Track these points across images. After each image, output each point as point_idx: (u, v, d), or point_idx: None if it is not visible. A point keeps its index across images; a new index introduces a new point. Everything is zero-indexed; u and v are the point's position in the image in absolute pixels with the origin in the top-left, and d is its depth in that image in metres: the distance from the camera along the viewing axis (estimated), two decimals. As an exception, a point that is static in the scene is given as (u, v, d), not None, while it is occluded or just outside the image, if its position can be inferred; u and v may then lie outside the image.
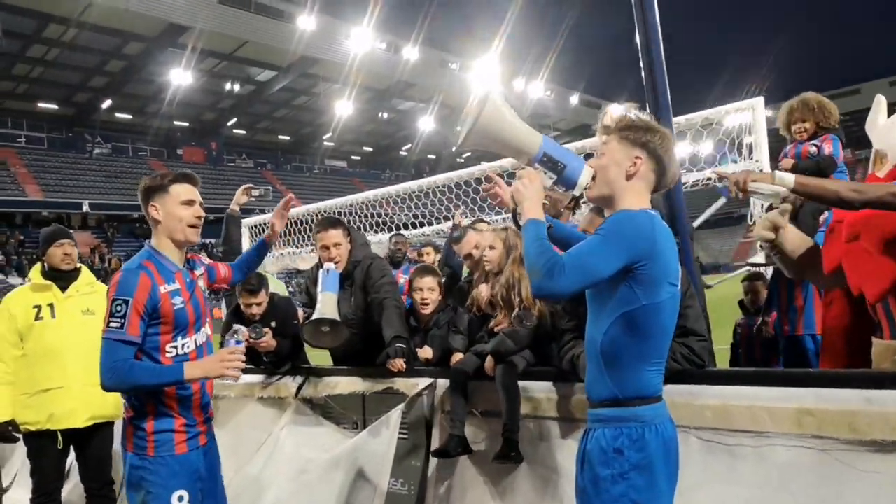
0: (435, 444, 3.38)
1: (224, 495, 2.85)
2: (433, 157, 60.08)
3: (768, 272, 4.98)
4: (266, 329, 4.02)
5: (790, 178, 2.56)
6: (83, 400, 3.87)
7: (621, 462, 1.91)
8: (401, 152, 59.58)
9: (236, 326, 2.83)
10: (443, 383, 3.43)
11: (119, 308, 2.42)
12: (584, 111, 57.94)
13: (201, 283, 2.79)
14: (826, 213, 4.53)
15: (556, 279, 1.81)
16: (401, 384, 3.52)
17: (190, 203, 2.63)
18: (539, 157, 2.02)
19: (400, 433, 3.44)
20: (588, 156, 2.17)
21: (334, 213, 10.25)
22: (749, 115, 5.96)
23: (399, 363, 3.52)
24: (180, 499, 2.54)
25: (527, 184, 2.00)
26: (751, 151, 5.99)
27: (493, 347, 3.13)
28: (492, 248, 3.39)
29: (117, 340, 2.41)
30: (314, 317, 3.46)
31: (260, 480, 3.72)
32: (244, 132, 51.28)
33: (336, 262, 3.81)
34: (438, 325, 3.76)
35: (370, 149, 58.55)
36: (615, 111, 2.10)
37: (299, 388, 3.98)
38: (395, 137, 56.45)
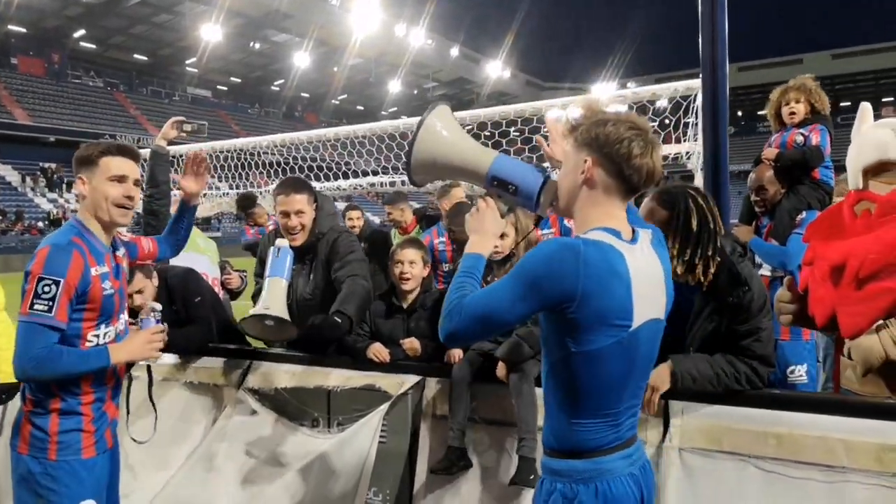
0: (423, 451, 2.96)
1: None
2: (307, 95, 57.44)
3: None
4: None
5: None
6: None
7: None
8: (272, 87, 56.35)
9: (151, 304, 2.53)
10: (432, 382, 3.00)
11: (47, 289, 2.15)
12: (463, 64, 57.68)
13: (124, 265, 2.53)
14: (804, 213, 4.39)
15: (452, 320, 1.61)
16: (382, 381, 3.03)
17: (120, 179, 2.35)
18: (488, 182, 1.78)
19: (380, 437, 2.97)
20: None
21: (222, 153, 9.20)
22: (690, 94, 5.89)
23: (383, 353, 3.05)
24: None
25: (476, 214, 1.80)
26: (688, 131, 5.94)
27: (505, 353, 2.73)
28: (503, 235, 2.96)
29: (43, 325, 2.15)
30: (256, 310, 2.89)
31: (203, 492, 3.10)
32: (94, 46, 45.91)
33: (296, 234, 3.27)
34: (424, 306, 3.29)
35: (238, 80, 54.78)
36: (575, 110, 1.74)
37: (243, 376, 3.37)
38: (267, 70, 53.13)
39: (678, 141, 6.10)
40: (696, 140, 5.89)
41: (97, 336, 2.31)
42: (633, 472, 1.66)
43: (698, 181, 5.81)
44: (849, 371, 2.54)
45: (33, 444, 2.24)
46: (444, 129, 1.81)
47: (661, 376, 2.35)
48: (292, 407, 3.22)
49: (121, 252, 2.49)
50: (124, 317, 2.49)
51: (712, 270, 2.27)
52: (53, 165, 38.89)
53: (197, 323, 3.48)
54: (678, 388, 2.36)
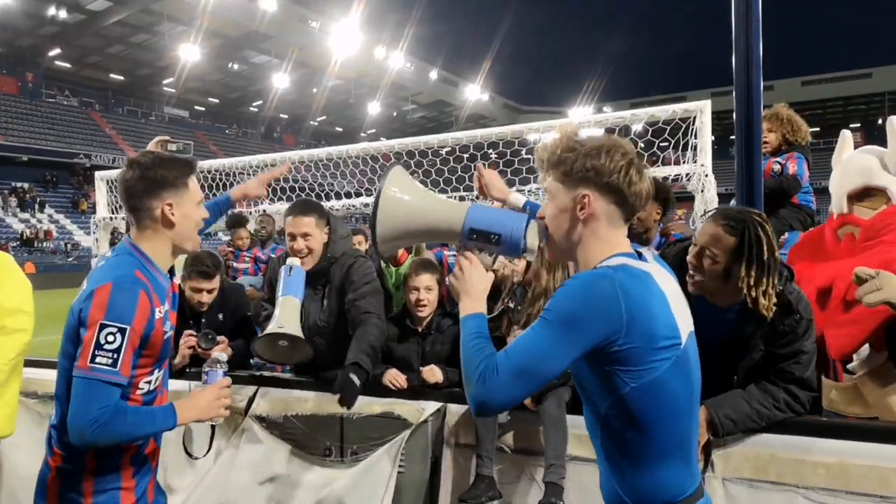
0: (446, 481, 2.82)
1: None
2: (286, 116, 57.28)
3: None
4: (221, 337, 3.32)
5: None
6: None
7: None
8: (251, 108, 56.10)
9: (216, 354, 2.23)
10: (454, 408, 2.87)
11: (112, 338, 1.82)
12: (442, 87, 58.07)
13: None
14: (787, 234, 4.45)
15: (490, 387, 1.42)
16: (401, 408, 2.90)
17: (201, 202, 2.11)
18: (466, 236, 1.65)
19: (398, 466, 2.83)
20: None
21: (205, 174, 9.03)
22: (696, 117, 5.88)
23: (401, 380, 2.93)
24: None
25: (460, 276, 1.64)
26: (695, 154, 5.93)
27: None
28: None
29: (107, 382, 1.82)
30: (270, 329, 2.77)
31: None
32: (69, 66, 45.38)
33: (303, 257, 3.10)
34: (440, 329, 3.18)
35: (216, 100, 54.45)
36: (547, 140, 1.66)
37: (250, 403, 3.21)
38: (246, 92, 52.86)
39: (677, 163, 6.07)
40: (695, 161, 5.87)
41: (149, 383, 2.02)
42: None
43: (698, 203, 5.82)
44: (833, 393, 2.54)
45: None
46: (404, 194, 1.67)
47: (699, 426, 2.24)
48: (303, 435, 3.08)
49: (176, 278, 2.22)
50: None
51: (775, 301, 2.18)
52: (26, 185, 38.14)
53: (245, 338, 3.51)
54: (720, 435, 2.26)
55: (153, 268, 2.01)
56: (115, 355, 1.82)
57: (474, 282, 1.62)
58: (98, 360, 1.81)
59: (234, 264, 7.24)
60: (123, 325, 1.83)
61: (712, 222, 2.24)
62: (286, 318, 2.79)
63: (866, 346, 2.45)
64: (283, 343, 2.79)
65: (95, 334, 1.82)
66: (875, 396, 2.40)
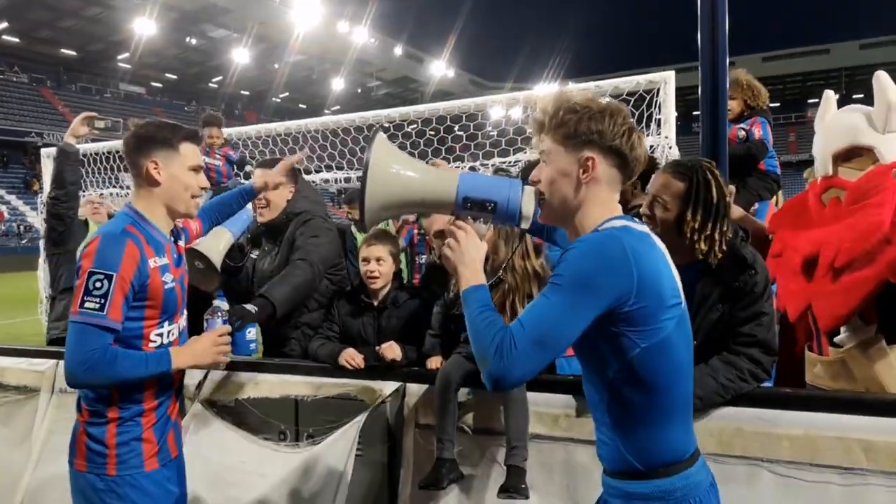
0: (406, 463, 2.73)
1: None
2: (247, 93, 56.05)
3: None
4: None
5: None
6: None
7: None
8: (210, 84, 54.71)
9: (217, 303, 2.35)
10: (413, 388, 2.77)
11: (99, 284, 1.92)
12: (406, 63, 57.35)
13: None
14: (756, 205, 4.43)
15: (507, 360, 1.39)
16: (358, 389, 2.78)
17: (197, 169, 2.19)
18: (460, 206, 1.60)
19: (356, 449, 2.73)
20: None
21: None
22: (660, 88, 5.80)
23: (357, 360, 2.82)
24: None
25: (455, 247, 1.59)
26: (658, 126, 5.88)
27: None
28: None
29: (96, 326, 1.92)
30: (191, 245, 2.86)
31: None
32: (18, 40, 43.56)
33: (262, 209, 3.25)
34: (396, 303, 3.06)
35: (174, 76, 52.97)
36: (544, 99, 1.61)
37: (199, 387, 3.06)
38: (205, 67, 51.41)
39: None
40: (659, 134, 5.83)
41: (160, 335, 2.11)
42: (712, 481, 1.57)
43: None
44: (818, 367, 2.47)
45: (91, 458, 2.04)
46: (393, 165, 1.62)
47: None
48: (256, 419, 2.94)
49: (182, 241, 2.31)
50: (184, 311, 2.29)
51: (725, 248, 2.15)
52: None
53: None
54: None
55: (147, 224, 2.10)
56: (103, 300, 1.91)
57: (471, 253, 1.57)
58: (87, 305, 1.91)
59: (206, 159, 7.00)
60: (110, 272, 1.93)
61: (662, 171, 2.28)
62: (211, 244, 2.96)
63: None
64: (199, 265, 2.90)
65: (85, 282, 1.92)
66: (863, 370, 2.30)
